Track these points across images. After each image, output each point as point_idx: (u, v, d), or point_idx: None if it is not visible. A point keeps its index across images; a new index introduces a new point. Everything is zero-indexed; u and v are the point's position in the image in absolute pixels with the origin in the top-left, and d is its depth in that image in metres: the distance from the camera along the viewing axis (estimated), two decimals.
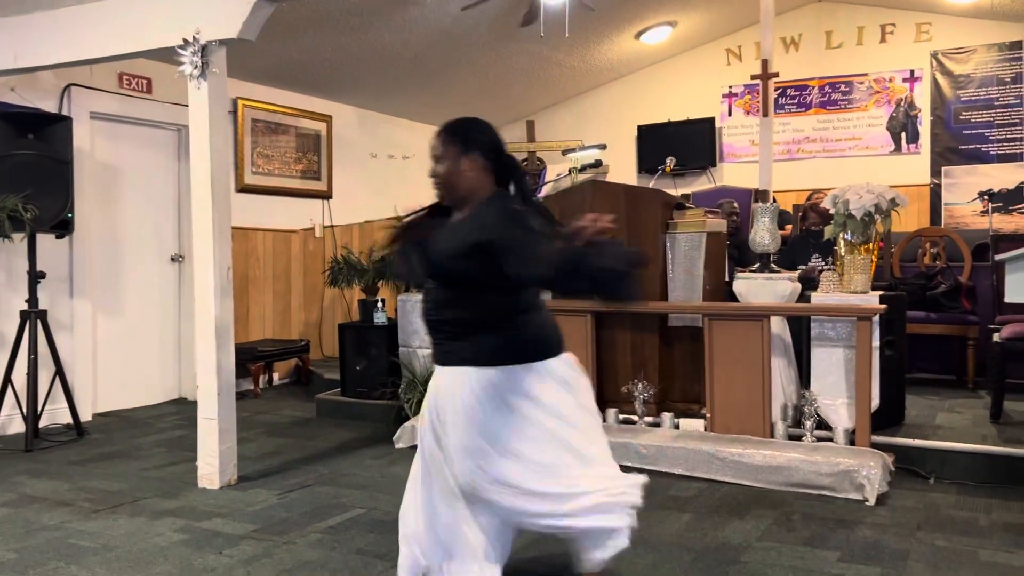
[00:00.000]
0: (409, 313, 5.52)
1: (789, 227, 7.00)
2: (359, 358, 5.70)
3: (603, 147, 5.93)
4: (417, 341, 5.49)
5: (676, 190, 9.10)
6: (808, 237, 5.76)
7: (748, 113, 8.82)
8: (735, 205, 6.16)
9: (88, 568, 3.05)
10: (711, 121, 8.97)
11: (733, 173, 8.97)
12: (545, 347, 2.44)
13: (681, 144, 9.12)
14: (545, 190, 5.91)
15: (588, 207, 4.79)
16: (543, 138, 9.46)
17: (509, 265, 2.22)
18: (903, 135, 8.23)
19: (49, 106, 5.53)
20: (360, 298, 5.90)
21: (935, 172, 8.03)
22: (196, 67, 4.07)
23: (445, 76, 7.77)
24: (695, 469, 4.19)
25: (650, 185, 5.29)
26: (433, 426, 2.44)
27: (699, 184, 9.16)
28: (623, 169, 9.31)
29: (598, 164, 5.26)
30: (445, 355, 2.44)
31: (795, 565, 3.03)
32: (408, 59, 7.12)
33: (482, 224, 2.33)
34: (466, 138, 2.44)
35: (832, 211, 4.54)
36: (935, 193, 8.02)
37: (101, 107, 5.85)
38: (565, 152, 6.49)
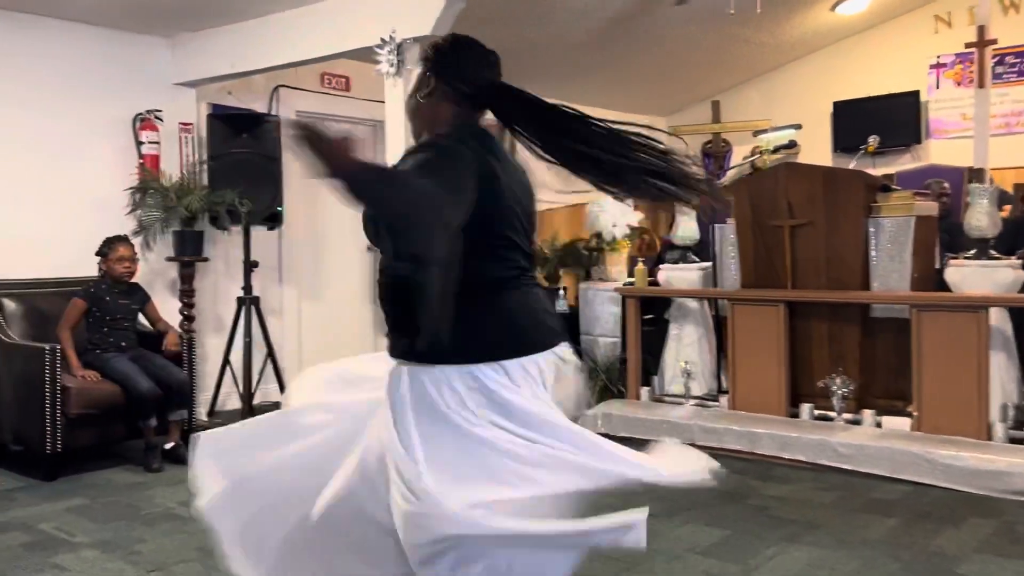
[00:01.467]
0: (591, 301, 5.53)
1: (1008, 208, 6.40)
2: None
3: (798, 127, 5.64)
4: (599, 329, 5.49)
5: (876, 170, 8.57)
6: None
7: (959, 84, 8.11)
8: (945, 186, 5.69)
9: None
10: (916, 95, 8.32)
11: (941, 151, 8.27)
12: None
13: (882, 121, 8.52)
14: (730, 174, 5.71)
15: (782, 191, 4.59)
16: (729, 119, 9.16)
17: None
18: None
19: (260, 107, 5.95)
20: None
21: None
22: (392, 64, 4.24)
23: (627, 59, 7.66)
24: (900, 471, 3.93)
25: (850, 166, 4.97)
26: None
27: (902, 163, 8.55)
28: (817, 150, 8.82)
29: (792, 145, 5.01)
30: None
31: None
32: (591, 45, 7.08)
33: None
34: (440, 62, 1.89)
35: None
36: None
37: (305, 106, 6.22)
38: (756, 133, 6.23)
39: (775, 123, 8.89)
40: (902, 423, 4.27)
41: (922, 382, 4.15)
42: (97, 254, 4.55)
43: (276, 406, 5.68)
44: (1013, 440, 3.96)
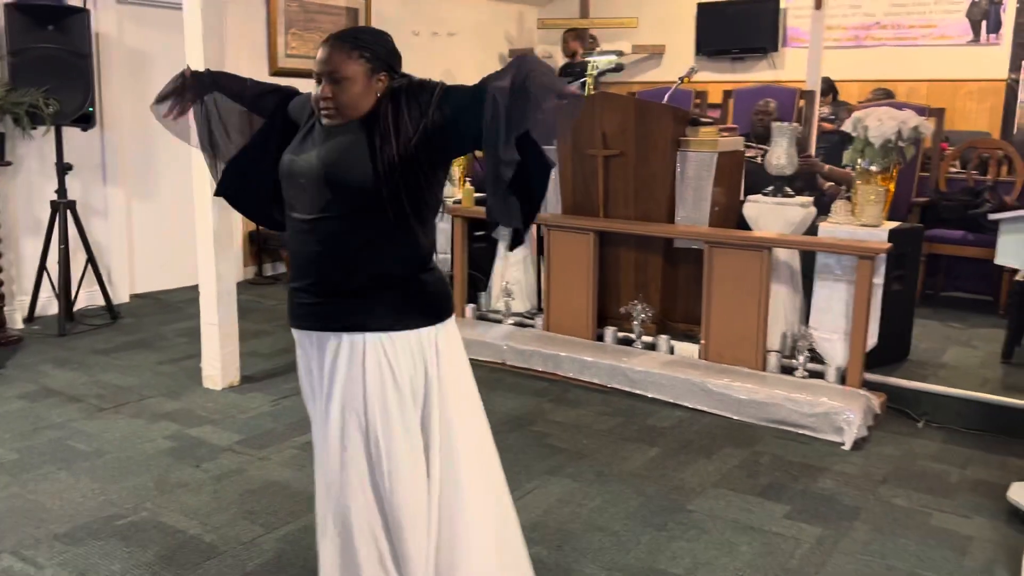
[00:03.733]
0: None
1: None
2: None
3: (621, 53, 5.63)
4: None
5: (736, 75, 8.69)
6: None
7: None
8: (771, 105, 5.78)
9: (76, 475, 3.31)
10: (776, 2, 8.39)
11: (797, 59, 8.41)
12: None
13: (742, 26, 8.61)
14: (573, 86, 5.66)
15: (598, 120, 4.62)
16: (598, 15, 9.04)
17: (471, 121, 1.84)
18: (983, 24, 7.55)
19: None
20: None
21: (1015, 66, 7.39)
22: None
23: None
24: (681, 397, 4.20)
25: (666, 97, 5.02)
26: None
27: (760, 70, 8.70)
28: (681, 51, 8.88)
29: (619, 69, 5.01)
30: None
31: (738, 519, 3.06)
32: None
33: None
34: (376, 52, 1.96)
35: (854, 135, 4.27)
36: (1011, 90, 7.41)
37: None
38: (585, 56, 6.18)
39: (641, 23, 8.85)
40: (693, 349, 4.53)
41: (710, 313, 4.39)
42: None
43: (100, 311, 5.61)
44: (785, 369, 4.27)
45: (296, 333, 2.09)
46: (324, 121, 1.98)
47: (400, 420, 1.96)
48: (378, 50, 1.97)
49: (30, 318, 5.45)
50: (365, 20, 7.57)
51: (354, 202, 1.92)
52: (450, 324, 2.08)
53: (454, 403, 2.05)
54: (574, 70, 7.71)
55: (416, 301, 2.00)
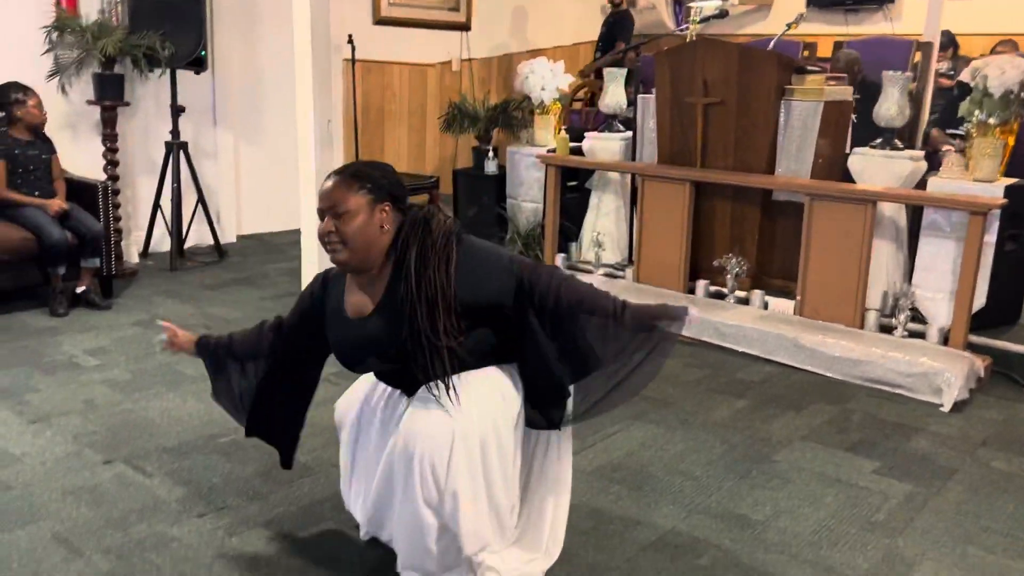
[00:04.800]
0: (517, 165, 5.55)
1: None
2: (471, 205, 5.84)
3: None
4: (523, 194, 5.54)
5: (848, 28, 8.31)
6: None
7: None
8: (853, 56, 5.47)
9: (182, 397, 3.51)
10: None
11: (914, 10, 7.96)
12: None
13: None
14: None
15: (699, 67, 4.52)
16: None
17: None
18: None
19: None
20: (473, 145, 5.96)
21: None
22: None
23: None
24: (773, 353, 4.13)
25: (770, 46, 4.84)
26: None
27: (873, 23, 8.30)
28: (790, 2, 8.54)
29: (724, 15, 4.87)
30: None
31: (825, 472, 3.01)
32: None
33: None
34: (377, 184, 2.00)
35: (972, 85, 4.04)
36: None
37: None
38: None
39: None
40: (789, 305, 4.43)
41: (808, 268, 4.28)
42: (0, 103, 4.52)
43: (207, 250, 5.87)
44: (884, 328, 4.14)
45: None
46: (331, 257, 2.03)
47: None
48: (380, 182, 1.99)
49: (144, 253, 5.75)
50: None
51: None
52: None
53: None
54: (621, 22, 7.30)
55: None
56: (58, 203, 4.47)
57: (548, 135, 5.56)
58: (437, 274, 1.95)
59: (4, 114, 4.49)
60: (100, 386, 3.59)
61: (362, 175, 2.01)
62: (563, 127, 5.47)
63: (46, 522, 2.54)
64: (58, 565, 2.32)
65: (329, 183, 2.01)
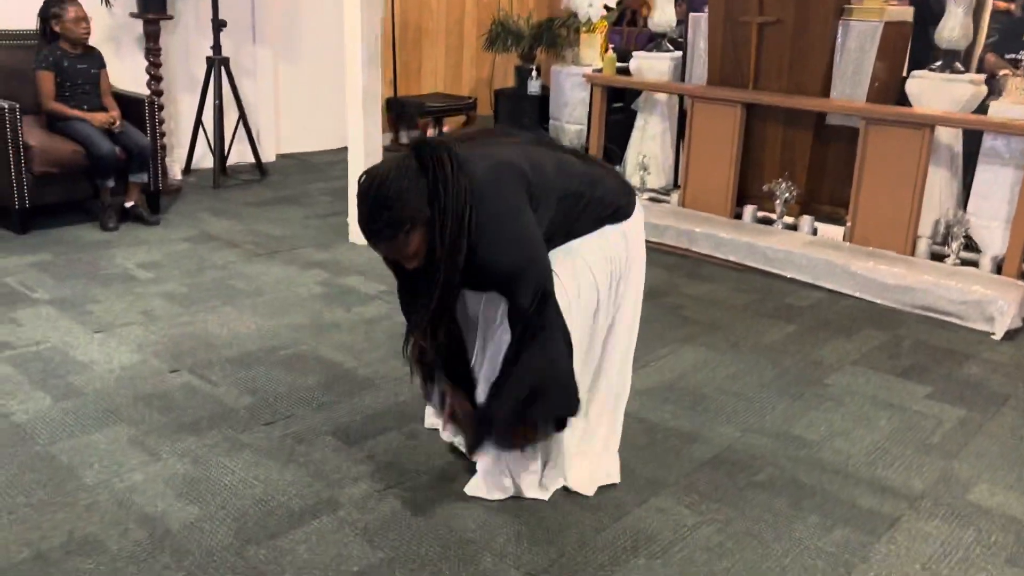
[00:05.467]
0: (562, 85, 5.46)
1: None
2: (513, 126, 5.78)
3: None
4: (566, 115, 5.47)
5: None
6: None
7: None
8: None
9: (239, 310, 3.57)
10: None
11: None
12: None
13: None
14: None
15: None
16: None
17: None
18: None
19: None
20: (516, 64, 5.86)
21: None
22: None
23: None
24: (821, 279, 4.12)
25: None
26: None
27: None
28: None
29: None
30: None
31: (876, 395, 3.03)
32: None
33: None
34: (408, 214, 1.96)
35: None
36: None
37: None
38: None
39: None
40: (838, 231, 4.40)
41: (860, 194, 4.23)
42: (43, 16, 4.48)
43: (249, 168, 5.88)
44: (935, 256, 4.10)
45: None
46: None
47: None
48: (409, 211, 1.95)
49: (187, 170, 5.77)
50: None
51: None
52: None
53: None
54: None
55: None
56: (106, 116, 4.47)
57: (594, 54, 5.46)
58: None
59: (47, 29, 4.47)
60: (157, 299, 3.65)
61: (394, 221, 1.96)
62: (610, 45, 5.36)
63: (121, 426, 2.62)
64: (136, 467, 2.41)
65: (377, 246, 2.04)
